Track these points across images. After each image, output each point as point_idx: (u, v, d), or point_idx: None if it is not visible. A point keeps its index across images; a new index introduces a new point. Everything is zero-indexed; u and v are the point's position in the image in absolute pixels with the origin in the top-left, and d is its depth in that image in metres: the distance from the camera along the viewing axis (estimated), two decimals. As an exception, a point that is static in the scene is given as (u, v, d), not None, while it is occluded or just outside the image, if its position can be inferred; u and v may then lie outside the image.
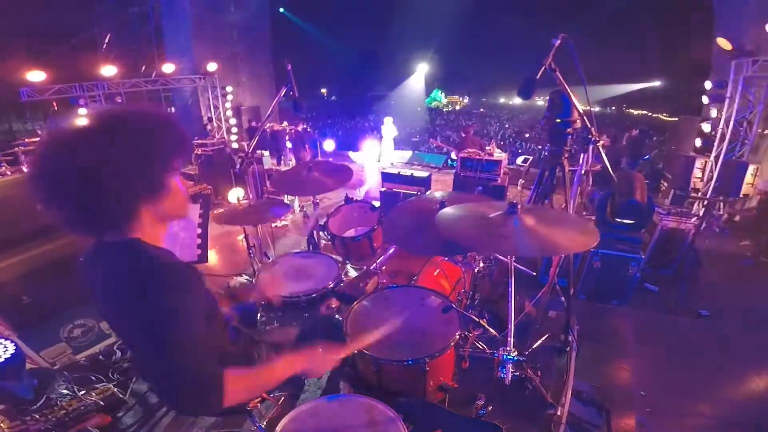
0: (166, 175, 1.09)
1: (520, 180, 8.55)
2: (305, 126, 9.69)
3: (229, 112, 10.65)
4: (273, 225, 5.40)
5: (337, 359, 1.47)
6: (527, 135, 15.24)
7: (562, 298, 3.06)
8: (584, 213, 5.44)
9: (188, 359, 1.05)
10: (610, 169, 2.39)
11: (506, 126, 19.30)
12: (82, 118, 7.84)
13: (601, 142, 2.22)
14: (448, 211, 2.01)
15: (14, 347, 2.48)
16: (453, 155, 10.32)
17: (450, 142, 9.23)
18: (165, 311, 1.03)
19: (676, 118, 10.27)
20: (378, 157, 11.10)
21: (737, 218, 6.46)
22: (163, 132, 1.09)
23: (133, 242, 1.09)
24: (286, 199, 6.84)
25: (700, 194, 7.04)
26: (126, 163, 0.99)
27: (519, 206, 1.79)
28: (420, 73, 22.35)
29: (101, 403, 2.52)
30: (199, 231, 3.12)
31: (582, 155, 2.34)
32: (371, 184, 8.53)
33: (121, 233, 1.08)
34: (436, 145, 9.32)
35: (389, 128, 10.97)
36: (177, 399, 1.15)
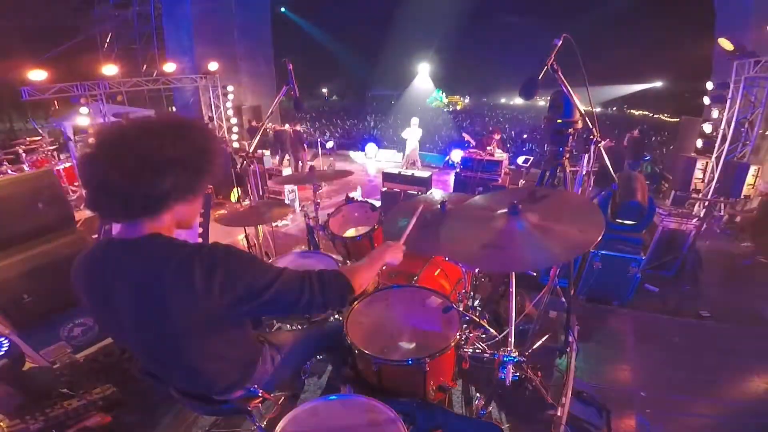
0: (207, 181, 1.19)
1: (521, 180, 8.57)
2: (304, 126, 9.70)
3: (230, 112, 10.67)
4: (273, 225, 5.40)
5: (401, 246, 1.74)
6: (525, 136, 15.24)
7: (563, 299, 3.06)
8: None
9: (299, 275, 1.25)
10: (611, 169, 2.39)
11: (506, 126, 19.30)
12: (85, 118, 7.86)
13: (603, 143, 2.22)
14: (447, 226, 1.97)
15: (8, 343, 2.49)
16: (454, 155, 10.33)
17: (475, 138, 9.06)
18: (248, 265, 1.18)
19: (678, 119, 10.26)
20: (404, 164, 10.11)
21: (738, 219, 6.45)
22: (213, 143, 1.22)
23: (159, 236, 1.15)
24: (287, 198, 6.85)
25: (701, 195, 7.04)
26: (189, 159, 1.11)
27: (520, 206, 1.78)
28: (424, 72, 22.35)
29: (101, 402, 2.52)
30: (200, 231, 3.12)
31: (584, 156, 2.33)
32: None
33: (144, 226, 1.13)
34: (467, 139, 9.27)
35: (415, 130, 9.99)
36: (319, 303, 1.28)
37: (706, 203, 6.35)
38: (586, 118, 2.25)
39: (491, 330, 2.33)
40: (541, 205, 1.83)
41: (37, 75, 7.30)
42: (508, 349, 1.88)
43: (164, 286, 1.10)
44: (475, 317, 2.18)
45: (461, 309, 2.11)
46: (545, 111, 2.81)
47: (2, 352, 2.45)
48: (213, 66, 9.73)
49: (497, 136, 8.25)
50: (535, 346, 2.80)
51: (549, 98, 2.69)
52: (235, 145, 10.45)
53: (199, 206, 1.28)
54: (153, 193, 1.07)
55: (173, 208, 1.15)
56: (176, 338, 1.19)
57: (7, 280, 2.81)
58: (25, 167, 7.42)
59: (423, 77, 22.62)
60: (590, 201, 1.97)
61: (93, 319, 1.20)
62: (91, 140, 7.25)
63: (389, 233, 2.53)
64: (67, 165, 7.65)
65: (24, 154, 7.68)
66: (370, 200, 3.92)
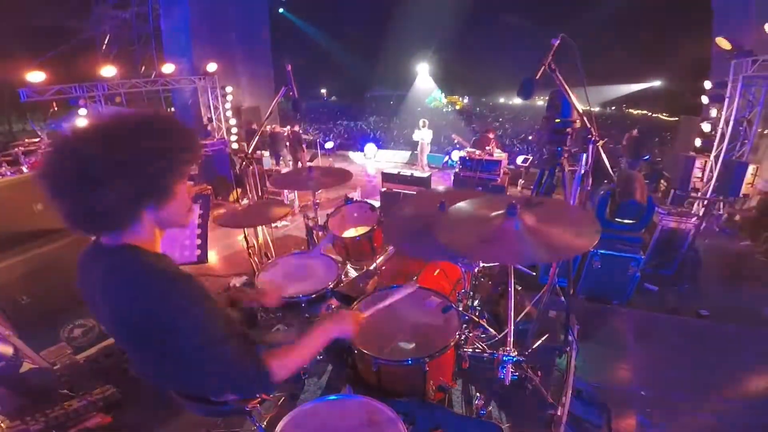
0: (174, 180, 1.09)
1: (520, 180, 8.56)
2: (301, 127, 9.70)
3: (229, 113, 10.65)
4: (273, 225, 5.40)
5: (363, 318, 1.57)
6: (529, 138, 15.23)
7: (562, 298, 3.06)
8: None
9: (229, 353, 1.11)
10: (609, 168, 2.39)
11: (506, 126, 19.29)
12: (84, 119, 7.86)
13: (602, 143, 2.22)
14: (446, 217, 1.98)
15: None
16: (453, 155, 10.33)
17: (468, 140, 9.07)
18: (192, 314, 1.06)
19: (676, 118, 10.27)
20: (423, 166, 10.11)
21: (737, 218, 6.46)
22: (174, 137, 1.09)
23: (131, 249, 1.09)
24: (286, 199, 6.86)
25: (700, 194, 7.04)
26: (133, 165, 1.00)
27: (518, 207, 1.78)
28: (424, 72, 22.37)
29: (101, 403, 2.52)
30: (198, 231, 3.12)
31: (582, 155, 2.34)
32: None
33: (120, 236, 1.08)
34: (457, 140, 9.24)
35: (426, 132, 9.92)
36: (228, 389, 1.23)
37: (705, 202, 6.34)
38: (584, 118, 2.26)
39: (491, 330, 2.34)
40: (538, 209, 1.83)
41: (36, 76, 7.28)
42: (508, 348, 1.89)
43: (117, 300, 1.08)
44: (474, 317, 2.19)
45: (461, 309, 2.11)
46: (544, 111, 2.83)
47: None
48: (211, 67, 9.72)
49: (491, 135, 8.23)
50: (534, 346, 2.80)
51: (547, 98, 2.70)
52: (234, 146, 10.44)
53: (183, 204, 1.16)
54: (97, 209, 0.98)
55: (142, 217, 1.07)
56: (146, 348, 1.16)
57: (7, 281, 2.82)
58: (24, 169, 7.41)
59: (424, 77, 22.65)
60: (588, 211, 1.97)
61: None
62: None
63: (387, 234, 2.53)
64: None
65: (23, 156, 7.68)
66: (369, 201, 3.92)
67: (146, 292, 1.05)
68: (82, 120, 7.87)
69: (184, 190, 1.15)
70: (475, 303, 2.86)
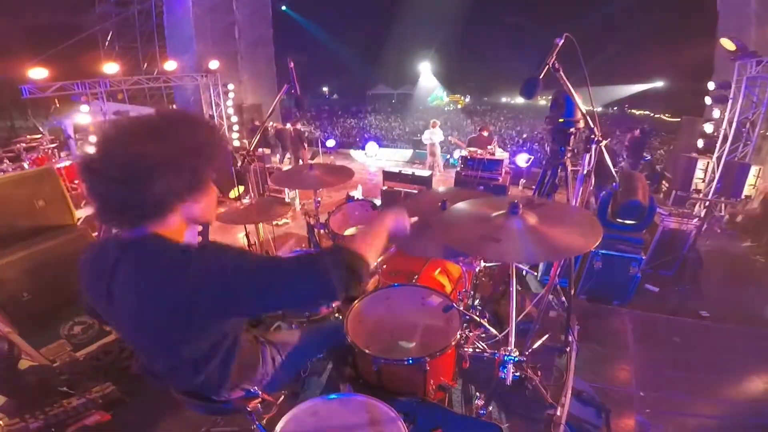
0: (208, 175, 1.14)
1: (522, 180, 8.54)
2: (303, 124, 9.70)
3: (231, 110, 10.65)
4: (274, 223, 5.40)
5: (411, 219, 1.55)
6: (524, 135, 15.23)
7: (563, 298, 3.06)
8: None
9: (295, 261, 1.14)
10: (612, 168, 2.38)
11: (507, 125, 19.29)
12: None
13: (604, 142, 2.21)
14: (448, 214, 1.99)
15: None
16: (455, 154, 10.32)
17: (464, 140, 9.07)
18: (246, 260, 1.09)
19: (679, 119, 10.24)
20: (439, 168, 9.88)
21: (739, 219, 6.45)
22: (206, 133, 1.15)
23: (159, 236, 1.10)
24: (287, 197, 6.85)
25: (701, 195, 7.03)
26: (179, 160, 1.05)
27: (520, 206, 1.78)
28: (427, 72, 22.38)
29: (101, 400, 2.52)
30: (199, 229, 3.11)
31: (585, 155, 2.33)
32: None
33: (147, 227, 1.09)
34: (454, 142, 9.17)
35: (437, 133, 9.64)
36: (318, 291, 1.14)
37: (707, 203, 6.33)
38: (588, 118, 2.25)
39: (491, 329, 2.33)
40: (539, 210, 1.83)
41: (38, 73, 7.28)
42: (509, 348, 1.88)
43: (154, 287, 1.07)
44: (475, 316, 2.18)
45: (461, 308, 2.11)
46: (546, 110, 2.81)
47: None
48: (214, 64, 9.71)
49: (485, 133, 8.21)
50: (535, 346, 2.80)
51: (550, 98, 2.69)
52: (236, 143, 10.44)
53: (214, 199, 1.22)
54: (146, 202, 1.03)
55: (176, 210, 1.11)
56: (171, 339, 1.16)
57: (8, 278, 2.81)
58: (26, 165, 7.41)
59: (427, 76, 22.65)
60: (590, 213, 1.97)
61: (99, 316, 1.14)
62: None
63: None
64: (68, 163, 7.63)
65: (24, 152, 7.68)
66: (370, 199, 3.91)
67: (190, 267, 1.05)
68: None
69: (213, 186, 1.20)
70: (476, 302, 2.86)
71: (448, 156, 10.86)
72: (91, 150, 1.06)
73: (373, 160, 12.03)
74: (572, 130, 2.57)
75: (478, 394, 2.47)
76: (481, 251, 1.83)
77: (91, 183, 1.03)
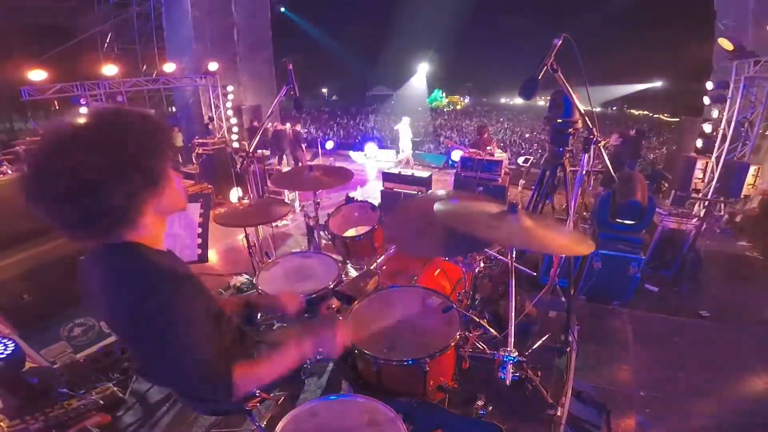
0: (164, 166, 1.10)
1: (521, 180, 8.54)
2: (302, 126, 9.70)
3: (230, 112, 10.65)
4: (274, 225, 5.40)
5: (348, 339, 1.56)
6: (527, 135, 15.24)
7: (563, 299, 3.06)
8: (585, 213, 5.43)
9: (197, 362, 1.11)
10: (611, 169, 2.39)
11: (506, 126, 19.29)
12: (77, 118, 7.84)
13: (604, 143, 2.22)
14: (447, 204, 2.01)
15: (14, 345, 2.48)
16: (454, 155, 10.32)
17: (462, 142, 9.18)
18: (171, 317, 1.06)
19: (677, 119, 10.26)
20: (400, 159, 10.68)
21: (738, 219, 6.45)
22: (149, 125, 1.09)
23: (133, 246, 1.09)
24: (287, 198, 6.85)
25: (701, 195, 7.03)
26: (128, 162, 0.99)
27: (519, 206, 1.79)
28: (421, 72, 22.38)
29: (101, 402, 2.52)
30: (199, 231, 3.12)
31: (584, 155, 2.33)
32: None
33: (124, 233, 1.08)
34: (450, 144, 9.21)
35: (405, 128, 10.63)
36: (191, 395, 1.27)
37: (706, 203, 6.34)
38: (586, 118, 2.26)
39: (491, 330, 2.33)
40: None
41: (37, 75, 7.27)
42: (508, 348, 1.89)
43: (115, 296, 1.09)
44: (475, 317, 2.19)
45: (461, 309, 2.11)
46: (544, 111, 2.82)
47: (7, 354, 2.43)
48: (213, 66, 9.71)
49: (485, 135, 8.22)
50: (535, 346, 2.80)
51: (549, 98, 2.70)
52: (235, 144, 10.44)
53: (178, 183, 1.17)
54: (106, 213, 0.99)
55: (144, 211, 1.08)
56: (142, 344, 1.16)
57: (8, 280, 2.82)
58: (25, 167, 7.39)
59: (419, 77, 22.65)
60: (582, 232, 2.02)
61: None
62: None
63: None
64: (67, 165, 7.62)
65: (24, 155, 7.67)
66: (370, 200, 3.91)
67: (140, 288, 1.05)
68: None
69: (172, 172, 1.15)
70: (476, 303, 2.86)
71: (447, 158, 10.86)
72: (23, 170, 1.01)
73: (373, 162, 12.03)
74: (571, 130, 2.58)
75: (478, 394, 2.47)
76: (480, 234, 1.85)
77: (36, 206, 0.99)
